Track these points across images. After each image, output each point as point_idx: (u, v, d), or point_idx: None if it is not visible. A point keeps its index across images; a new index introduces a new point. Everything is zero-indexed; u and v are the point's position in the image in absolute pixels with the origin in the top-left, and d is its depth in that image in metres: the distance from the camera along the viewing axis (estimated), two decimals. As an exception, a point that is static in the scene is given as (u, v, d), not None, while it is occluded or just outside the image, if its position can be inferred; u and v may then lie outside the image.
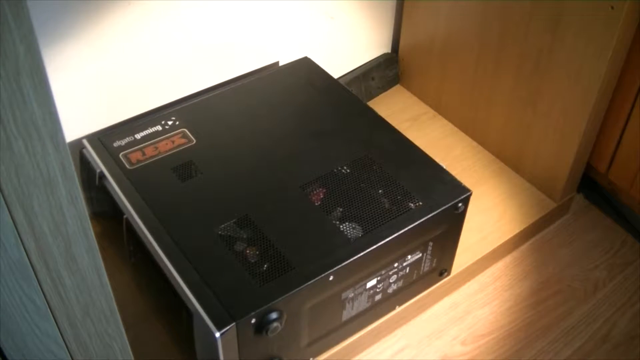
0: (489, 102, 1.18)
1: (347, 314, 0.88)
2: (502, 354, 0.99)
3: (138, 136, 0.96)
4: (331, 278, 0.80)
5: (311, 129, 1.00)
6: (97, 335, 0.56)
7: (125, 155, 0.92)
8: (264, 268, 0.79)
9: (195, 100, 1.03)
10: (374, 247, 0.83)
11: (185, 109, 1.01)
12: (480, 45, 1.15)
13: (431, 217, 0.87)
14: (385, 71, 1.33)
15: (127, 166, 0.91)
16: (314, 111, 1.03)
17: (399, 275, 0.91)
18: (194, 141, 0.95)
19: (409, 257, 0.90)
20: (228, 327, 0.73)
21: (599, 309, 1.05)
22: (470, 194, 0.91)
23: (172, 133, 0.96)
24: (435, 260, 0.95)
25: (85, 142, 0.95)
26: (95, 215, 1.01)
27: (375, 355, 0.97)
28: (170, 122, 0.98)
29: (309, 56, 1.14)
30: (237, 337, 0.75)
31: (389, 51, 1.36)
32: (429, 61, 1.28)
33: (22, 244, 0.45)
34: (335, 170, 0.92)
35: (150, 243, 0.82)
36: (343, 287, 0.84)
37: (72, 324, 0.53)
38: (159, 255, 0.81)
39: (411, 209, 0.88)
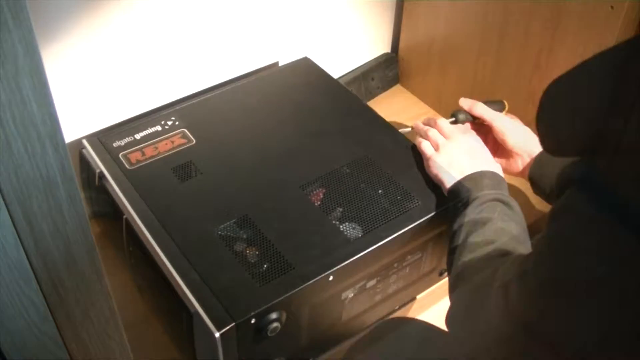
0: (489, 102, 1.18)
1: (347, 314, 0.88)
2: (502, 354, 0.99)
3: (138, 136, 0.95)
4: (331, 278, 0.80)
5: (311, 129, 0.99)
6: (96, 335, 0.56)
7: (125, 156, 0.92)
8: (264, 268, 0.79)
9: (195, 100, 1.03)
10: (374, 247, 0.83)
11: (185, 109, 1.01)
12: (480, 45, 1.15)
13: (431, 217, 0.87)
14: (385, 71, 1.33)
15: (127, 166, 0.91)
16: (314, 111, 1.03)
17: (399, 275, 0.91)
18: (194, 141, 0.95)
19: (409, 257, 0.90)
20: (228, 327, 0.73)
21: (599, 309, 1.05)
22: (470, 194, 0.91)
23: (171, 133, 0.96)
24: (435, 260, 0.95)
25: (85, 142, 0.95)
26: (95, 216, 1.01)
27: (375, 355, 0.97)
28: (170, 122, 0.98)
29: (309, 56, 1.14)
30: (237, 337, 0.75)
31: (389, 51, 1.36)
32: (429, 61, 1.28)
33: (22, 244, 0.45)
34: (335, 170, 0.92)
35: (150, 243, 0.82)
36: (343, 287, 0.84)
37: (72, 324, 0.53)
38: (158, 255, 0.81)
39: (411, 209, 0.88)
